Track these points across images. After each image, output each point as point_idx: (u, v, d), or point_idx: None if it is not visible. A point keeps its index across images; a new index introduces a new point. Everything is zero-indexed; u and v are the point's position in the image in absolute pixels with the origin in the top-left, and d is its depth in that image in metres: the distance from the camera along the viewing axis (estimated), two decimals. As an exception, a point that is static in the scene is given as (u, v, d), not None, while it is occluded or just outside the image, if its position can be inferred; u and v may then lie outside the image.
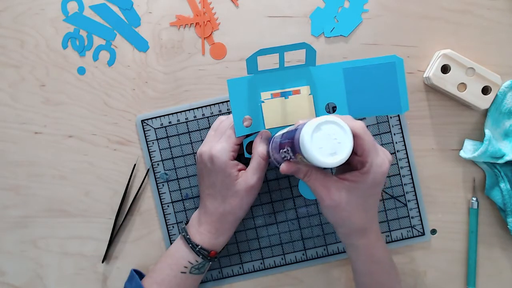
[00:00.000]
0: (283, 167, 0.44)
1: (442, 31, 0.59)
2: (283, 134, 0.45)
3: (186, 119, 0.59)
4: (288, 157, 0.43)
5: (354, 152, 0.43)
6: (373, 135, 0.59)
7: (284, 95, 0.52)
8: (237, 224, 0.55)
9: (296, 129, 0.41)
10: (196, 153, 0.57)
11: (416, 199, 0.59)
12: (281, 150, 0.45)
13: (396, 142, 0.59)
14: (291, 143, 0.41)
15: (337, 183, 0.44)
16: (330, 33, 0.59)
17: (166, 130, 0.59)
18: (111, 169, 0.60)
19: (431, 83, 0.57)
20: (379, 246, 0.49)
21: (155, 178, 0.60)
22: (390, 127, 0.59)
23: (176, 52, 0.60)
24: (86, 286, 0.61)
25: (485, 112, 0.59)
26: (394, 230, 0.60)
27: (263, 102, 0.52)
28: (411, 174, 0.59)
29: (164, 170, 0.60)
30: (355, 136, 0.41)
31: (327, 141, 0.39)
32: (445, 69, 0.57)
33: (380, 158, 0.44)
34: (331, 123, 0.39)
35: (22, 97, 0.60)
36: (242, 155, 0.54)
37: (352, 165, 0.45)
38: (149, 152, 0.60)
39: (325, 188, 0.44)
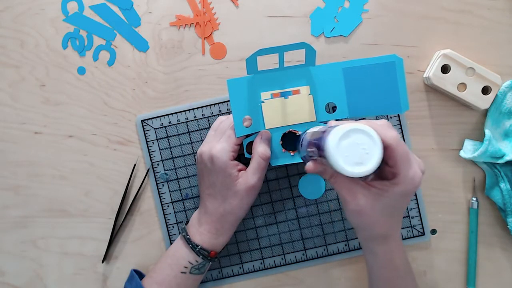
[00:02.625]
0: (310, 167, 0.43)
1: (442, 31, 0.59)
2: (313, 132, 0.44)
3: (186, 119, 0.59)
4: (315, 157, 0.42)
5: (385, 162, 0.42)
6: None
7: (284, 95, 0.52)
8: (237, 224, 0.55)
9: (325, 131, 0.39)
10: (196, 153, 0.57)
11: (416, 199, 0.59)
12: (308, 149, 0.44)
13: (396, 142, 0.59)
14: (317, 144, 0.40)
15: (364, 189, 0.43)
16: (330, 33, 0.59)
17: (166, 130, 0.59)
18: (111, 169, 0.60)
19: (431, 83, 0.57)
20: (398, 253, 0.48)
21: (155, 178, 0.60)
22: (390, 127, 0.59)
23: (176, 52, 0.60)
24: (86, 286, 0.61)
25: (485, 112, 0.59)
26: (394, 230, 0.60)
27: (263, 102, 0.52)
28: (411, 174, 0.59)
29: (164, 170, 0.60)
30: (388, 147, 0.40)
31: (355, 150, 0.37)
32: (445, 69, 0.57)
33: (413, 170, 0.42)
34: (361, 132, 0.37)
35: (22, 97, 0.60)
36: (242, 155, 0.54)
37: (383, 174, 0.44)
38: (149, 152, 0.60)
39: (351, 192, 0.43)
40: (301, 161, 0.51)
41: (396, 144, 0.40)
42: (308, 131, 0.48)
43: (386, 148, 0.40)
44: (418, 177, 0.42)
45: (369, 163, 0.37)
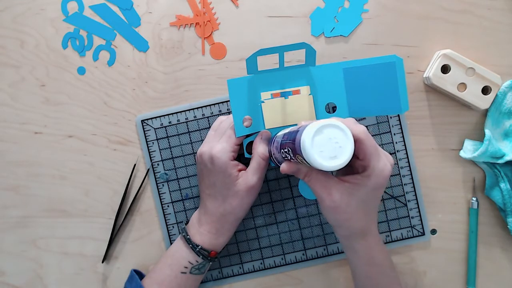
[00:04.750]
0: (284, 167, 0.44)
1: (442, 31, 0.59)
2: (284, 134, 0.45)
3: (186, 119, 0.59)
4: (289, 157, 0.43)
5: (356, 156, 0.43)
6: (373, 135, 0.59)
7: (284, 95, 0.52)
8: (238, 224, 0.55)
9: (297, 130, 0.41)
10: (196, 153, 0.57)
11: (416, 199, 0.59)
12: (282, 150, 0.45)
13: (396, 142, 0.59)
14: (292, 144, 0.41)
15: (338, 185, 0.44)
16: (330, 33, 0.59)
17: (166, 130, 0.59)
18: (111, 169, 0.60)
19: (431, 83, 0.57)
20: (378, 249, 0.48)
21: (155, 178, 0.60)
22: (390, 127, 0.59)
23: (176, 52, 0.60)
24: (86, 286, 0.61)
25: (485, 112, 0.59)
26: (394, 230, 0.60)
27: (263, 102, 0.52)
28: (411, 174, 0.59)
29: (164, 170, 0.60)
30: (357, 141, 0.41)
31: (328, 144, 0.39)
32: (445, 69, 0.57)
33: (382, 162, 0.44)
34: (333, 126, 0.39)
35: (22, 97, 0.60)
36: (242, 155, 0.54)
37: (354, 168, 0.45)
38: (149, 152, 0.60)
39: (325, 189, 0.44)
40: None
41: (365, 137, 0.42)
42: (278, 134, 0.49)
43: (355, 141, 0.41)
44: (388, 169, 0.44)
45: (342, 156, 0.39)
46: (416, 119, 0.60)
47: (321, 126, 0.39)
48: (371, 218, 0.47)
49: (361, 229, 0.47)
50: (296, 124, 0.52)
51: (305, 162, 0.40)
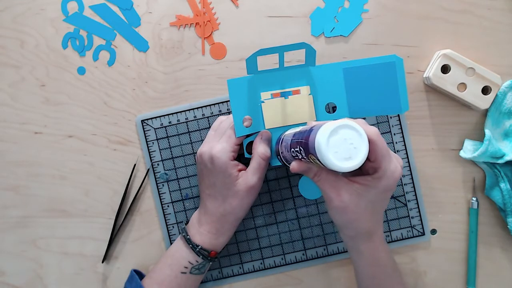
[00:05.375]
0: (294, 166, 0.44)
1: (442, 31, 0.59)
2: (295, 133, 0.45)
3: (186, 119, 0.59)
4: (300, 157, 0.43)
5: (367, 158, 0.43)
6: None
7: (284, 95, 0.52)
8: (238, 224, 0.55)
9: (311, 130, 0.40)
10: (196, 153, 0.57)
11: (416, 199, 0.59)
12: (292, 149, 0.44)
13: (396, 142, 0.59)
14: (304, 143, 0.41)
15: (347, 185, 0.44)
16: (330, 33, 0.59)
17: (166, 130, 0.59)
18: (111, 169, 0.60)
19: (431, 83, 0.57)
20: (383, 250, 0.48)
21: (155, 178, 0.60)
22: (390, 127, 0.59)
23: (176, 52, 0.60)
24: (86, 286, 0.61)
25: (485, 112, 0.59)
26: (394, 230, 0.60)
27: (263, 102, 0.52)
28: (411, 174, 0.59)
29: (164, 170, 0.60)
30: (369, 142, 0.41)
31: (343, 145, 0.39)
32: (445, 69, 0.57)
33: (393, 164, 0.43)
34: (348, 127, 0.39)
35: (22, 97, 0.60)
36: (242, 155, 0.54)
37: (364, 169, 0.45)
38: (149, 152, 0.60)
39: (334, 189, 0.44)
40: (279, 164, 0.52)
41: (377, 138, 0.41)
42: (286, 133, 0.49)
43: (368, 142, 0.41)
44: (398, 171, 0.44)
45: (357, 157, 0.39)
46: (416, 119, 0.60)
47: (336, 126, 0.38)
48: (378, 219, 0.47)
49: (367, 230, 0.46)
50: (299, 124, 0.52)
51: (317, 162, 0.40)
